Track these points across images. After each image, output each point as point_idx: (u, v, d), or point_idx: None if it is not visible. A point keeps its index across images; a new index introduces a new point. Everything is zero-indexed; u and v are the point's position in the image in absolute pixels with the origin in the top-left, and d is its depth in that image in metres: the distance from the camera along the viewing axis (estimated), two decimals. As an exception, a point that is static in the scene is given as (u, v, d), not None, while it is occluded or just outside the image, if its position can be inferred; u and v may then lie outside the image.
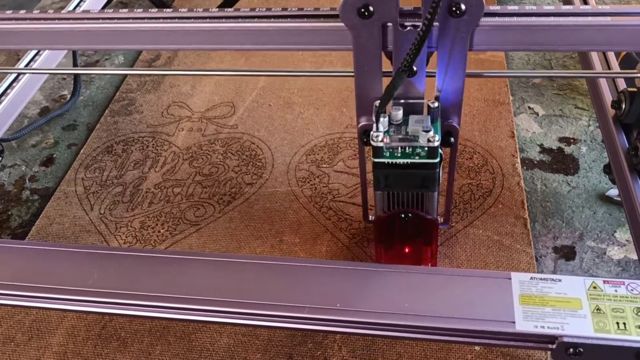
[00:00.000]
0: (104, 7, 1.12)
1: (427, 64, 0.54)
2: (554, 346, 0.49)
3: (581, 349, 0.49)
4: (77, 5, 1.05)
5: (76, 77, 1.12)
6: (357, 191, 0.88)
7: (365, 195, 0.70)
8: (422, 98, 0.56)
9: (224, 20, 0.54)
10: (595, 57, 0.81)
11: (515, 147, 0.94)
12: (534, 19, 0.50)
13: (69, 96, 1.13)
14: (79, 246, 0.63)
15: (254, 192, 0.91)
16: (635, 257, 0.78)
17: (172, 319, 0.58)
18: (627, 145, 0.70)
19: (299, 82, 1.11)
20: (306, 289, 0.56)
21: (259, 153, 0.97)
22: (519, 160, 0.92)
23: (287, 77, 1.12)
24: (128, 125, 1.06)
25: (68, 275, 0.58)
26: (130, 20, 0.55)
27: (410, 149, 0.54)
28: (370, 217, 0.73)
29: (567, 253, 0.80)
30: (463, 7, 0.48)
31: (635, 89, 0.70)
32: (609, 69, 0.79)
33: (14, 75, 0.94)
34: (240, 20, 0.54)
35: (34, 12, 0.57)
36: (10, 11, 0.58)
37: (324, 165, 0.94)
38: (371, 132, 0.54)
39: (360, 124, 0.59)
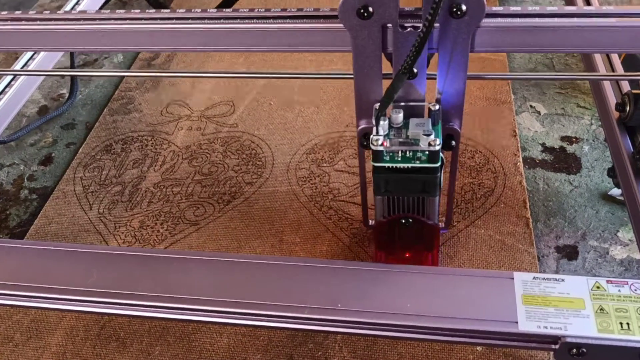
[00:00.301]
0: (101, 7, 1.12)
1: (427, 66, 0.53)
2: (557, 346, 0.49)
3: (584, 350, 0.48)
4: (76, 4, 1.04)
5: (73, 78, 1.12)
6: (357, 190, 0.88)
7: (365, 199, 0.69)
8: (423, 101, 0.55)
9: (220, 21, 0.53)
10: (598, 58, 0.80)
11: (517, 146, 0.94)
12: (536, 19, 0.49)
13: (67, 95, 1.13)
14: (77, 246, 0.63)
15: (254, 191, 0.90)
16: (638, 256, 0.78)
17: (171, 319, 0.57)
18: (632, 149, 0.69)
19: (299, 81, 1.10)
20: (307, 289, 0.55)
21: (259, 152, 0.97)
22: (520, 160, 0.91)
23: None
24: (127, 124, 1.05)
25: (67, 275, 0.58)
26: (127, 21, 0.54)
27: (411, 153, 0.52)
28: (370, 221, 0.72)
29: (569, 253, 0.79)
30: (464, 7, 0.47)
31: (639, 91, 0.69)
32: (613, 70, 0.79)
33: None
34: (237, 21, 0.53)
35: (29, 12, 0.57)
36: (6, 12, 0.57)
37: (325, 164, 0.93)
38: (371, 136, 0.53)
39: (360, 127, 0.58)
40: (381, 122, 0.53)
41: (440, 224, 0.72)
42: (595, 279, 0.53)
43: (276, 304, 0.54)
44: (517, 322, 0.50)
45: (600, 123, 0.89)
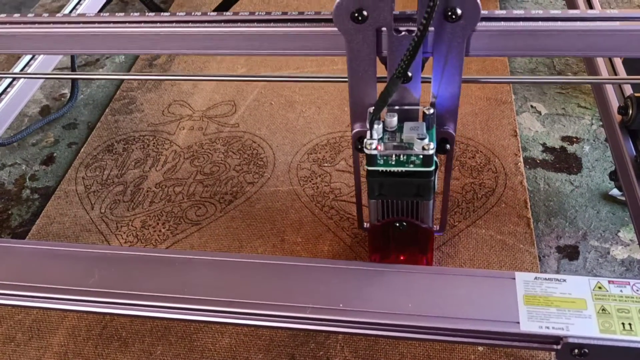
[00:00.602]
0: (102, 9, 1.12)
1: (422, 70, 0.53)
2: (559, 347, 0.49)
3: (586, 350, 0.48)
4: (77, 3, 1.04)
5: (74, 80, 1.11)
6: (359, 190, 0.88)
7: (360, 202, 0.68)
8: (418, 104, 0.55)
9: (216, 24, 0.53)
10: (600, 60, 0.80)
11: (517, 146, 0.94)
12: (533, 23, 0.49)
13: (69, 94, 1.13)
14: (79, 246, 0.63)
15: (255, 191, 0.90)
16: (639, 256, 0.78)
17: (173, 319, 0.57)
18: (634, 152, 0.68)
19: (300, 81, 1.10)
20: (308, 289, 0.55)
21: (260, 152, 0.97)
22: (521, 160, 0.91)
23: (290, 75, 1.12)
24: (129, 124, 1.05)
25: (68, 275, 0.58)
26: (127, 24, 0.54)
27: (405, 157, 0.52)
28: (365, 224, 0.72)
29: (570, 253, 0.79)
30: (459, 11, 0.47)
31: None
32: (615, 73, 0.78)
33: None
34: (232, 24, 0.53)
35: (28, 15, 0.57)
36: (4, 15, 0.57)
37: (326, 164, 0.93)
38: (365, 140, 0.52)
39: (355, 130, 0.57)
40: (375, 126, 0.53)
41: (435, 226, 0.71)
42: (597, 279, 0.53)
43: (278, 303, 0.54)
44: (518, 323, 0.50)
45: (601, 123, 0.89)
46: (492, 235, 0.81)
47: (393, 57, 0.51)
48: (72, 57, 1.10)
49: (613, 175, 0.78)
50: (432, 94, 0.54)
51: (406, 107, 0.55)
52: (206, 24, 0.53)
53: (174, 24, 0.54)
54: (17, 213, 0.92)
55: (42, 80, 1.02)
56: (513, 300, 0.52)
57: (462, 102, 1.01)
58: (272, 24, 0.52)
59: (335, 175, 0.91)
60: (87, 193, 0.92)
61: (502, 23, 0.49)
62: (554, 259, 0.79)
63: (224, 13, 0.54)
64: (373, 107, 0.53)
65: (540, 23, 0.49)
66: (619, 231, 0.81)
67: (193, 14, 0.54)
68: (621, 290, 0.52)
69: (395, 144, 0.53)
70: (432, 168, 0.53)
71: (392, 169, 0.53)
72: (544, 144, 0.95)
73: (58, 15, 0.57)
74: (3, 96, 0.90)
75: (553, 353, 0.63)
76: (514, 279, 0.54)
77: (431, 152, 0.51)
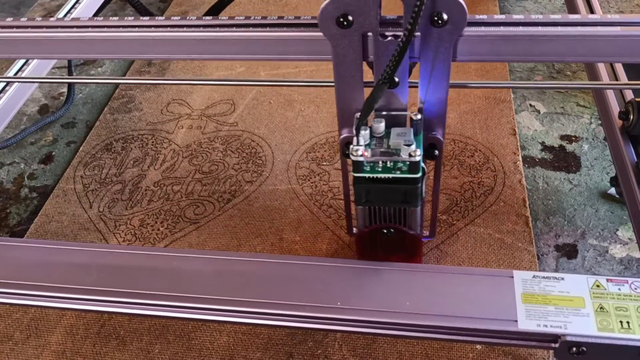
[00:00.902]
0: (101, 9, 1.11)
1: (410, 75, 0.52)
2: (557, 345, 0.49)
3: (584, 348, 0.48)
4: (76, 2, 1.04)
5: (70, 83, 1.11)
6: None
7: (349, 207, 0.68)
8: (405, 110, 0.54)
9: (200, 29, 0.53)
10: (601, 65, 0.79)
11: (516, 144, 0.94)
12: (520, 28, 0.48)
13: (66, 96, 1.13)
14: (77, 244, 0.63)
15: (254, 190, 0.90)
16: (638, 255, 0.78)
17: (171, 318, 0.57)
18: (635, 158, 0.68)
19: (299, 80, 1.10)
20: (306, 288, 0.55)
21: (259, 151, 0.97)
22: (520, 158, 0.91)
23: (288, 75, 1.12)
24: (127, 122, 1.05)
25: (67, 273, 0.58)
26: (121, 29, 0.54)
27: (392, 164, 0.52)
28: (354, 229, 0.72)
29: (569, 251, 0.79)
30: (445, 16, 0.47)
31: None
32: (616, 79, 0.77)
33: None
34: (218, 29, 0.52)
35: (21, 19, 0.56)
36: None
37: (325, 163, 0.93)
38: (351, 146, 0.52)
39: (342, 136, 0.57)
40: (362, 132, 0.52)
41: (424, 232, 0.71)
42: (595, 277, 0.53)
43: (276, 302, 0.54)
44: (516, 321, 0.50)
45: (599, 122, 0.89)
46: (490, 234, 0.81)
47: (379, 62, 0.50)
48: (69, 60, 1.09)
49: (614, 181, 0.77)
50: (420, 100, 0.53)
51: (393, 113, 0.54)
52: (199, 29, 0.53)
53: (153, 29, 0.53)
54: (16, 212, 0.92)
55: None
56: (511, 299, 0.52)
57: (460, 101, 1.01)
58: (257, 29, 0.52)
59: (334, 174, 0.91)
60: (86, 192, 0.92)
61: (489, 28, 0.49)
62: (553, 258, 0.79)
63: (206, 18, 0.54)
64: (359, 113, 0.52)
65: (534, 28, 0.48)
66: (617, 230, 0.81)
67: (188, 18, 0.54)
68: (619, 289, 0.52)
69: (382, 150, 0.52)
70: (419, 175, 0.52)
71: (379, 175, 0.52)
72: (542, 143, 0.95)
73: (52, 19, 0.56)
74: (1, 95, 0.90)
75: (551, 351, 0.63)
76: (512, 277, 0.54)
77: (418, 158, 0.51)
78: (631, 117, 0.69)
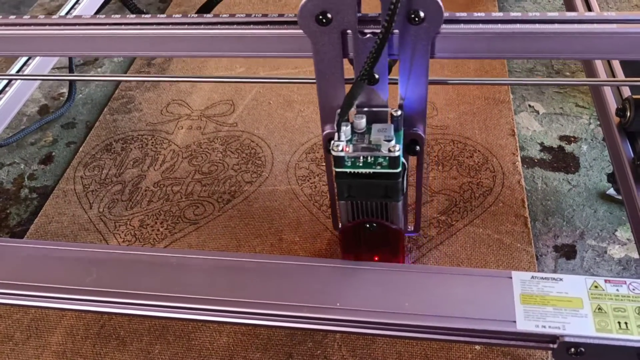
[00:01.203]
0: (100, 8, 1.12)
1: (390, 72, 0.53)
2: (555, 346, 0.49)
3: (582, 349, 0.48)
4: (76, 2, 1.04)
5: (71, 81, 1.11)
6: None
7: (335, 203, 0.68)
8: (386, 106, 0.55)
9: (181, 26, 0.53)
10: (599, 62, 0.80)
11: (515, 145, 0.94)
12: (499, 26, 0.49)
13: (67, 94, 1.13)
14: (77, 245, 0.63)
15: (253, 190, 0.90)
16: (636, 255, 0.78)
17: (171, 318, 0.57)
18: (632, 154, 0.68)
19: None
20: (306, 288, 0.55)
21: (258, 151, 0.97)
22: (519, 159, 0.92)
23: (288, 75, 1.12)
24: (127, 123, 1.05)
25: (67, 274, 0.58)
26: (123, 27, 0.54)
27: (372, 159, 0.52)
28: (340, 225, 0.72)
29: (567, 252, 0.79)
30: (422, 14, 0.47)
31: None
32: (613, 75, 0.78)
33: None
34: (201, 27, 0.53)
35: (24, 17, 0.57)
36: (0, 16, 0.57)
37: (324, 164, 0.93)
38: (332, 141, 0.53)
39: (325, 132, 0.58)
40: (344, 128, 0.53)
41: (409, 227, 0.72)
42: (593, 278, 0.53)
43: (275, 302, 0.54)
44: (515, 322, 0.50)
45: (598, 122, 0.89)
46: (489, 235, 0.81)
47: (359, 59, 0.51)
48: (70, 58, 1.10)
49: (611, 177, 0.78)
50: (400, 96, 0.54)
51: (374, 109, 0.55)
52: (184, 26, 0.53)
53: (169, 26, 0.54)
54: (16, 212, 0.92)
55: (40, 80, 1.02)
56: (510, 300, 0.52)
57: (459, 102, 1.02)
58: (238, 27, 0.52)
59: (334, 175, 0.91)
60: (86, 192, 0.93)
61: (467, 25, 0.49)
62: (551, 258, 0.79)
63: (189, 15, 0.54)
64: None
65: (514, 25, 0.49)
66: (616, 230, 0.81)
67: (188, 15, 0.54)
68: (617, 290, 0.52)
69: (363, 145, 0.53)
70: (399, 170, 0.53)
71: (360, 170, 0.53)
72: (541, 144, 0.95)
73: (54, 17, 0.57)
74: (1, 95, 0.90)
75: (549, 352, 0.63)
76: (511, 278, 0.54)
77: (397, 153, 0.52)
78: (628, 114, 0.70)
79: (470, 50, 0.50)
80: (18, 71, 0.93)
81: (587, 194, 0.87)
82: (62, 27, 0.55)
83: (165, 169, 0.95)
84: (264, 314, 0.54)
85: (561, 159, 0.93)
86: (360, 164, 0.53)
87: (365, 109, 0.55)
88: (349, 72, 0.53)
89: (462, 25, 0.49)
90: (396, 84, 0.54)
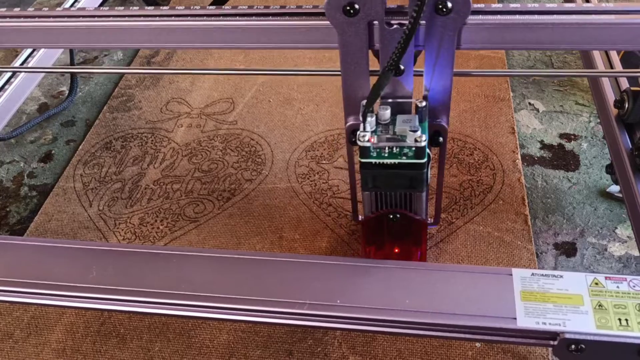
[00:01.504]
0: (102, 3, 1.12)
1: (415, 63, 0.53)
2: (556, 342, 0.49)
3: (583, 346, 0.48)
4: (72, 5, 1.04)
5: (73, 75, 1.11)
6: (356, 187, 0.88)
7: (355, 194, 0.69)
8: (410, 97, 0.55)
9: (204, 18, 0.53)
10: (597, 55, 0.80)
11: (515, 143, 0.94)
12: (527, 17, 0.49)
13: (67, 92, 1.13)
14: (77, 242, 0.63)
15: (253, 188, 0.90)
16: (636, 253, 0.78)
17: (171, 316, 0.57)
18: (630, 145, 0.69)
19: (299, 78, 1.10)
20: (306, 285, 0.55)
21: (258, 149, 0.97)
22: (519, 157, 0.92)
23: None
24: (127, 121, 1.05)
25: (67, 271, 0.58)
26: (127, 19, 0.54)
27: (398, 149, 0.53)
28: (360, 216, 0.72)
29: (568, 249, 0.79)
30: (450, 4, 0.47)
31: (638, 88, 0.69)
32: (612, 67, 0.78)
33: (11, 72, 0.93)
34: (224, 18, 0.53)
35: (28, 10, 0.57)
36: (4, 9, 0.57)
37: (324, 162, 0.93)
38: (358, 132, 0.53)
39: (348, 124, 0.58)
40: (369, 119, 0.53)
41: (429, 219, 0.72)
42: (593, 275, 0.53)
43: (276, 300, 0.54)
44: (515, 319, 0.50)
45: (598, 120, 0.89)
46: (489, 232, 0.81)
47: (385, 50, 0.51)
48: (71, 52, 1.10)
49: (609, 169, 0.78)
50: (425, 87, 0.54)
51: (399, 100, 0.55)
52: (203, 18, 0.53)
53: (161, 18, 0.54)
54: (15, 210, 0.92)
55: (40, 77, 1.02)
56: (510, 297, 0.52)
57: (459, 100, 1.01)
58: (264, 18, 0.52)
59: (333, 173, 0.91)
60: (85, 190, 0.92)
61: (494, 16, 0.49)
62: (552, 256, 0.79)
63: (221, 7, 0.54)
64: (365, 100, 0.53)
65: (535, 16, 0.49)
66: (616, 228, 0.81)
67: (192, 7, 0.54)
68: (618, 287, 0.52)
69: (388, 136, 0.53)
70: (425, 160, 0.53)
71: (385, 161, 0.53)
72: (541, 141, 0.95)
73: (58, 9, 0.57)
74: (2, 92, 0.90)
75: (550, 349, 0.63)
76: (511, 275, 0.54)
77: (423, 144, 0.52)
78: (626, 105, 0.70)
79: (498, 41, 0.50)
80: (21, 64, 0.93)
81: (587, 192, 0.87)
82: (65, 19, 0.55)
83: (165, 167, 0.95)
84: (264, 312, 0.54)
85: (561, 157, 0.93)
86: (386, 155, 0.53)
87: (390, 100, 0.55)
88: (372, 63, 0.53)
89: (488, 16, 0.49)
90: (420, 75, 0.54)
